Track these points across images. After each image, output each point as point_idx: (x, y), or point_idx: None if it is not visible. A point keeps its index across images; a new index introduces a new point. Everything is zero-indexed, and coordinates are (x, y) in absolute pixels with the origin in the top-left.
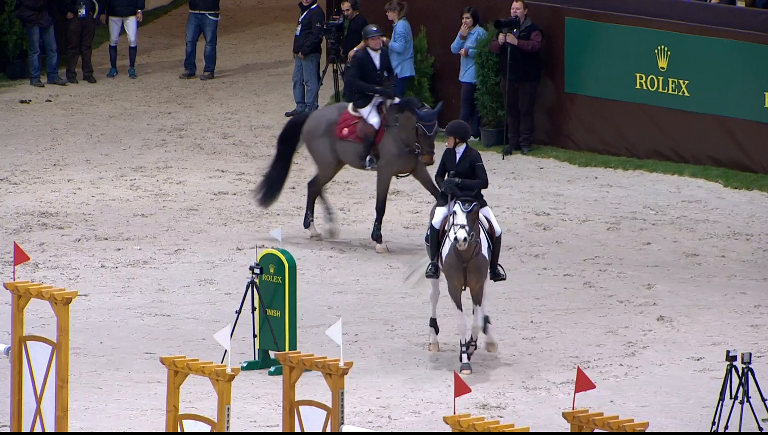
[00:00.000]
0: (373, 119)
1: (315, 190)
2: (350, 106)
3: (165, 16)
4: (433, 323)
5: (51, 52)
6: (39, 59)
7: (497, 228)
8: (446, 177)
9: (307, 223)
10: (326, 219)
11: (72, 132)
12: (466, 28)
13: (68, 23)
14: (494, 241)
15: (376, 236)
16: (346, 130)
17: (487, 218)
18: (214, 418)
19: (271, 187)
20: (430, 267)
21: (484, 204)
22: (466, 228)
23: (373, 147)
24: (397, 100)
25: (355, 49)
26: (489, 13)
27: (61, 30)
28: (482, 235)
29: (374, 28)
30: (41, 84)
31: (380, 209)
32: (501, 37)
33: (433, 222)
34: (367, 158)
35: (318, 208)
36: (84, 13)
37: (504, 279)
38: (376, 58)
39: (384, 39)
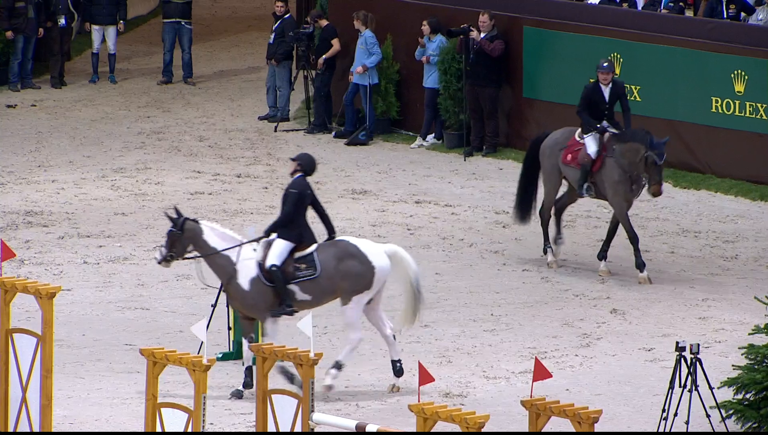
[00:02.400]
0: (592, 148)
1: (546, 216)
2: (578, 132)
3: (144, 25)
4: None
5: (26, 60)
6: (19, 66)
7: None
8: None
9: (545, 250)
10: (553, 240)
11: (56, 135)
12: (424, 35)
13: (48, 32)
14: None
15: (639, 264)
16: (569, 156)
17: None
18: (191, 406)
19: (521, 206)
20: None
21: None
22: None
23: (591, 175)
24: (616, 131)
25: (324, 57)
26: (453, 23)
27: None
28: None
29: (605, 64)
30: (17, 89)
31: (632, 238)
32: (474, 33)
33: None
34: (584, 186)
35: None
36: (64, 22)
37: None
38: (605, 91)
39: (614, 75)
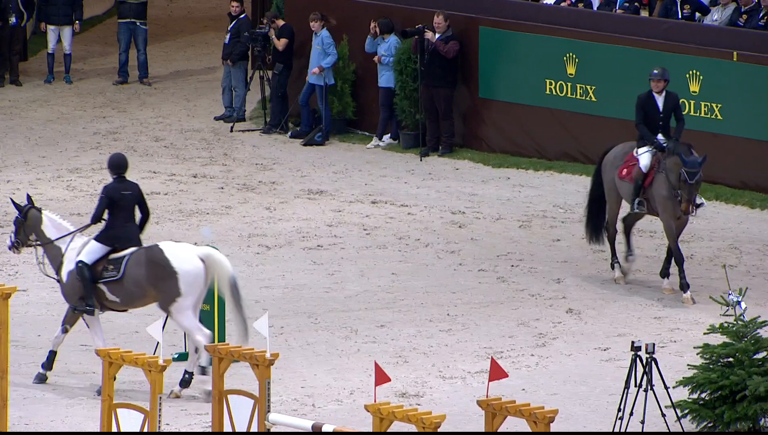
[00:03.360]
0: (644, 162)
1: (611, 231)
2: (636, 147)
3: (99, 25)
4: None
5: None
6: None
7: None
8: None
9: (612, 265)
10: (624, 257)
11: (11, 135)
12: (372, 35)
13: (0, 31)
14: None
15: (683, 285)
16: (625, 171)
17: None
18: (147, 406)
19: (590, 223)
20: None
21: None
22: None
23: (643, 190)
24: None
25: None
26: (409, 24)
27: None
28: None
29: (656, 71)
30: None
31: (678, 258)
32: (428, 34)
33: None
34: (636, 201)
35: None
36: (15, 21)
37: None
38: (659, 100)
39: (664, 83)
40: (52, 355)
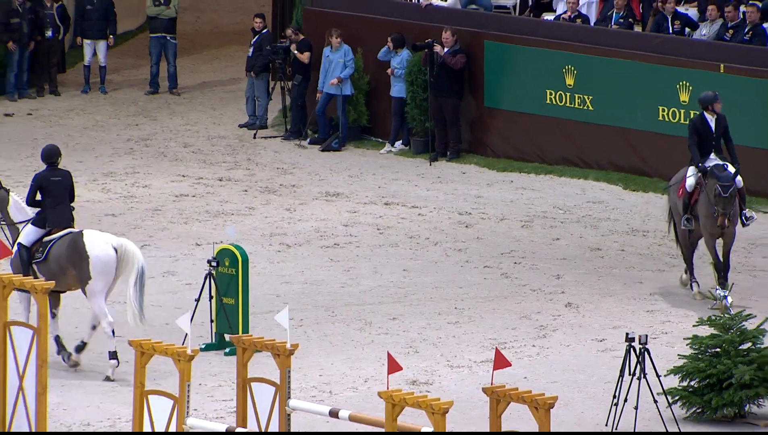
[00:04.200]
0: (690, 182)
1: (685, 251)
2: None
3: (132, 39)
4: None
5: (22, 71)
6: (15, 78)
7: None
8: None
9: (691, 285)
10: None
11: (50, 141)
12: (389, 49)
13: (39, 45)
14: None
15: (721, 284)
16: (680, 190)
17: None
18: (176, 393)
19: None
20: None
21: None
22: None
23: (691, 208)
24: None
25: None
26: (419, 38)
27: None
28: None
29: (712, 93)
30: (15, 99)
31: (718, 265)
32: (437, 48)
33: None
34: (684, 217)
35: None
36: (51, 34)
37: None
38: (711, 122)
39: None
40: (57, 339)
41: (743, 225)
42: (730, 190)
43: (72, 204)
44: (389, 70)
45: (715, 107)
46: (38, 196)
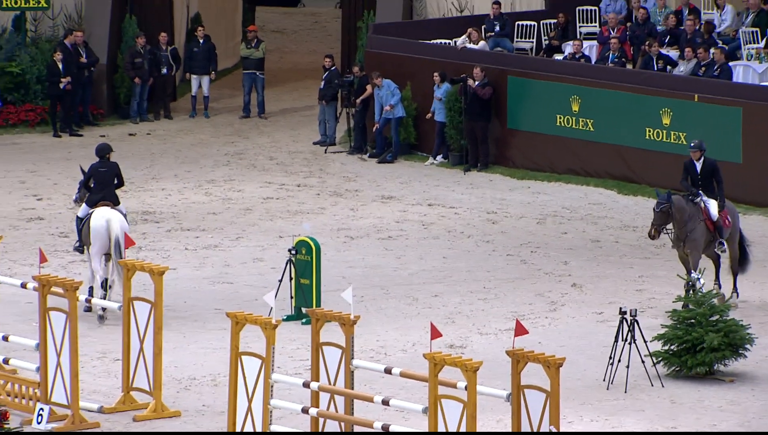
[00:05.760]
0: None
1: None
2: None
3: (229, 75)
4: None
5: (142, 100)
6: (137, 105)
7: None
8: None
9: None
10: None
11: (164, 156)
12: (436, 83)
13: (156, 79)
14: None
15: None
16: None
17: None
18: (263, 355)
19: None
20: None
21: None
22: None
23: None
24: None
25: (361, 97)
26: (455, 73)
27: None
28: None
29: (692, 144)
30: (137, 122)
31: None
32: (470, 81)
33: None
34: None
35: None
36: (165, 71)
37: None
38: (698, 165)
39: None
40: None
41: (720, 252)
42: (661, 206)
43: (122, 187)
44: (437, 98)
45: (692, 155)
46: (91, 183)
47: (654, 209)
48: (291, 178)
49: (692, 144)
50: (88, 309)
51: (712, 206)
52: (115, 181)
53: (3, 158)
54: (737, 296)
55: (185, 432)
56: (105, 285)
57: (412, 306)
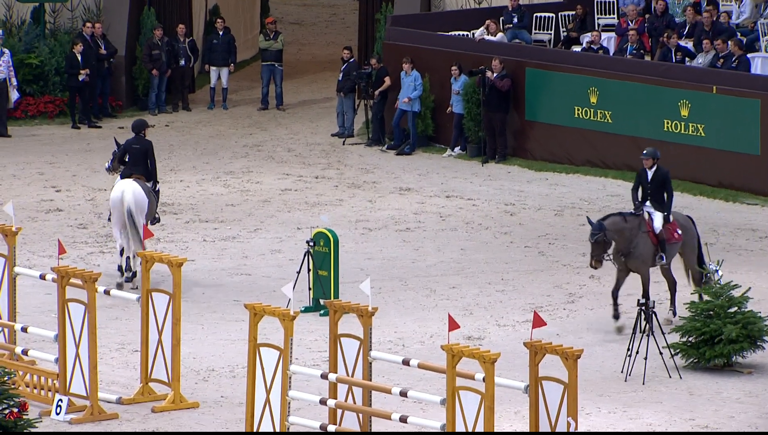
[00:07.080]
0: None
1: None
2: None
3: (247, 66)
4: None
5: (161, 92)
6: (155, 97)
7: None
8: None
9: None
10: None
11: (183, 147)
12: (454, 75)
13: (174, 71)
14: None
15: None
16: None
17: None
18: (281, 346)
19: None
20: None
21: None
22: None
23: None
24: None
25: (379, 89)
26: (474, 65)
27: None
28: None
29: (645, 152)
30: (155, 114)
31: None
32: (488, 73)
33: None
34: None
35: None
36: (183, 63)
37: None
38: (649, 174)
39: (651, 161)
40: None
41: (659, 265)
42: (595, 237)
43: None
44: (455, 91)
45: (644, 163)
46: (126, 158)
47: (589, 241)
48: (309, 169)
49: (645, 151)
50: (119, 285)
51: (657, 218)
52: (148, 162)
53: (22, 150)
54: (674, 315)
55: (193, 433)
56: (122, 254)
57: (430, 298)
